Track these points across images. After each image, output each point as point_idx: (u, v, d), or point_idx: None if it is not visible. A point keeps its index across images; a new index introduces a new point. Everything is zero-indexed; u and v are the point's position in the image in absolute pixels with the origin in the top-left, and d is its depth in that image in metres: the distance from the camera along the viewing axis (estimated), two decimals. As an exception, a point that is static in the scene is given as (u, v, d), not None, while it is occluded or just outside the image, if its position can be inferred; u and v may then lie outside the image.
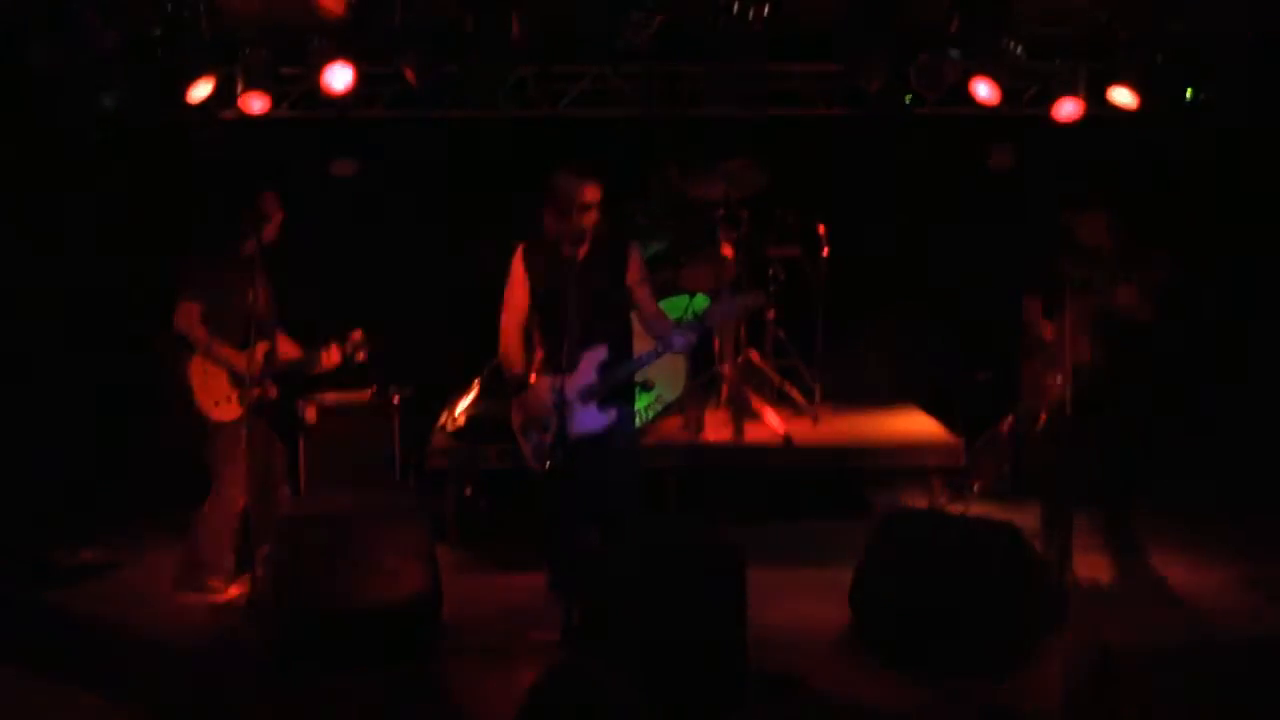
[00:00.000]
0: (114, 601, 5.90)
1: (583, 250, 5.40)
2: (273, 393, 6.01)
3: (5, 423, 7.18)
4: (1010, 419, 6.01)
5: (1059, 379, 5.65)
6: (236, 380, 5.85)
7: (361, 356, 6.26)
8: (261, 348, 5.86)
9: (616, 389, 5.44)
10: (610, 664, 2.74)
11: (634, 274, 5.48)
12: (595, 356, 5.40)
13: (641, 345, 5.57)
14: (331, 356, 6.20)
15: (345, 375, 7.62)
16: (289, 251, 6.17)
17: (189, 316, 5.82)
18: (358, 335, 6.22)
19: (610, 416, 5.41)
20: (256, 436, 5.84)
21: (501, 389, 5.67)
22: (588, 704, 2.62)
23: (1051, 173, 7.22)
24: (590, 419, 5.38)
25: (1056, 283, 5.84)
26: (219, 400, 5.87)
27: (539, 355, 5.50)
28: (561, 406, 5.20)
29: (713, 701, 4.49)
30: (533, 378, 5.47)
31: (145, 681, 5.43)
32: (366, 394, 7.71)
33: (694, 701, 4.35)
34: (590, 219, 5.33)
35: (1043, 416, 5.78)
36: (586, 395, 5.37)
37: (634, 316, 5.58)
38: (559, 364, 5.26)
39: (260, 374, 5.86)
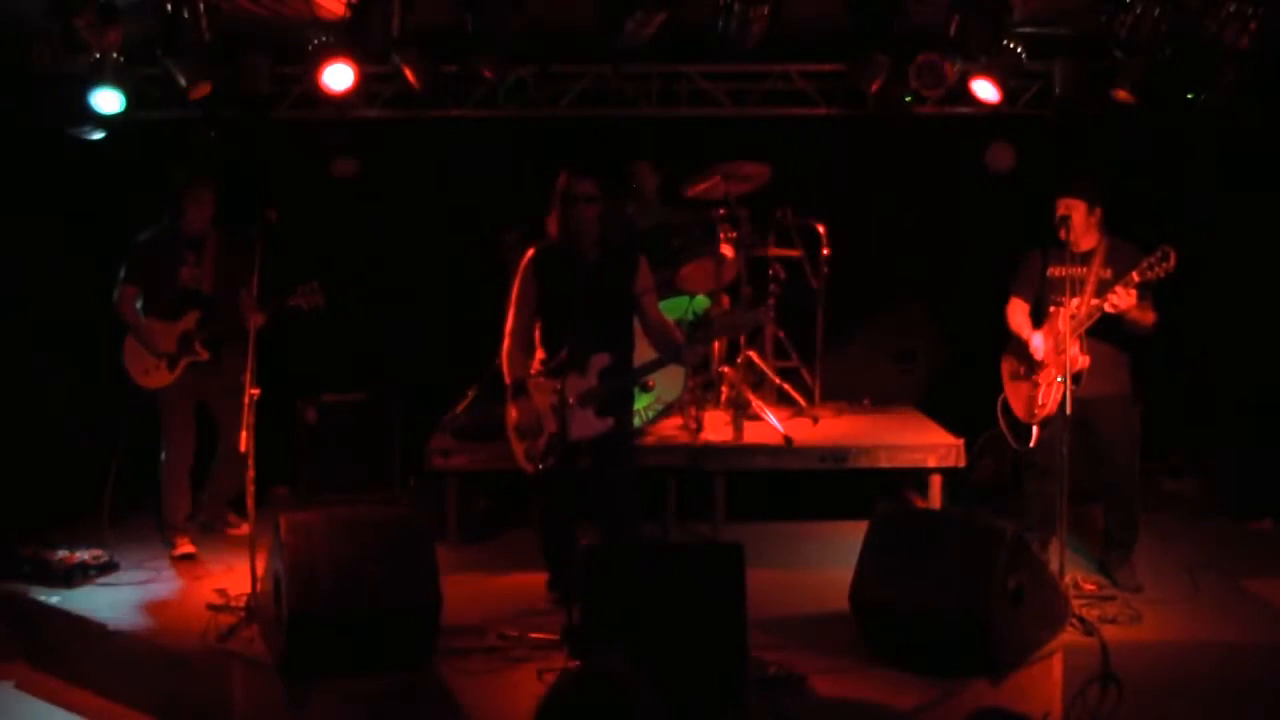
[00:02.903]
0: (114, 602, 5.90)
1: (593, 254, 5.42)
2: (204, 355, 6.47)
3: (5, 423, 7.18)
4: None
5: (1050, 394, 5.64)
6: (158, 353, 6.45)
7: (313, 303, 6.34)
8: (192, 317, 6.47)
9: (617, 393, 5.45)
10: (632, 666, 2.68)
11: (642, 282, 5.49)
12: (599, 361, 5.40)
13: (642, 351, 5.57)
14: (257, 318, 5.98)
15: (345, 376, 7.65)
16: (287, 251, 6.17)
17: (123, 299, 6.46)
18: (314, 285, 6.37)
19: (610, 419, 5.42)
20: (190, 394, 6.49)
21: (500, 391, 5.67)
22: (611, 706, 2.57)
23: (1050, 173, 7.21)
24: (590, 422, 5.38)
25: (1044, 287, 5.83)
26: (148, 369, 6.48)
27: (539, 356, 5.50)
28: (563, 408, 5.20)
29: (713, 701, 4.49)
30: (531, 380, 5.48)
31: (145, 681, 5.44)
32: (365, 394, 7.71)
33: (694, 701, 4.34)
34: (590, 213, 5.35)
35: (1035, 432, 5.78)
36: (586, 399, 5.37)
37: (636, 323, 5.58)
38: (561, 367, 5.28)
39: (186, 342, 6.45)
